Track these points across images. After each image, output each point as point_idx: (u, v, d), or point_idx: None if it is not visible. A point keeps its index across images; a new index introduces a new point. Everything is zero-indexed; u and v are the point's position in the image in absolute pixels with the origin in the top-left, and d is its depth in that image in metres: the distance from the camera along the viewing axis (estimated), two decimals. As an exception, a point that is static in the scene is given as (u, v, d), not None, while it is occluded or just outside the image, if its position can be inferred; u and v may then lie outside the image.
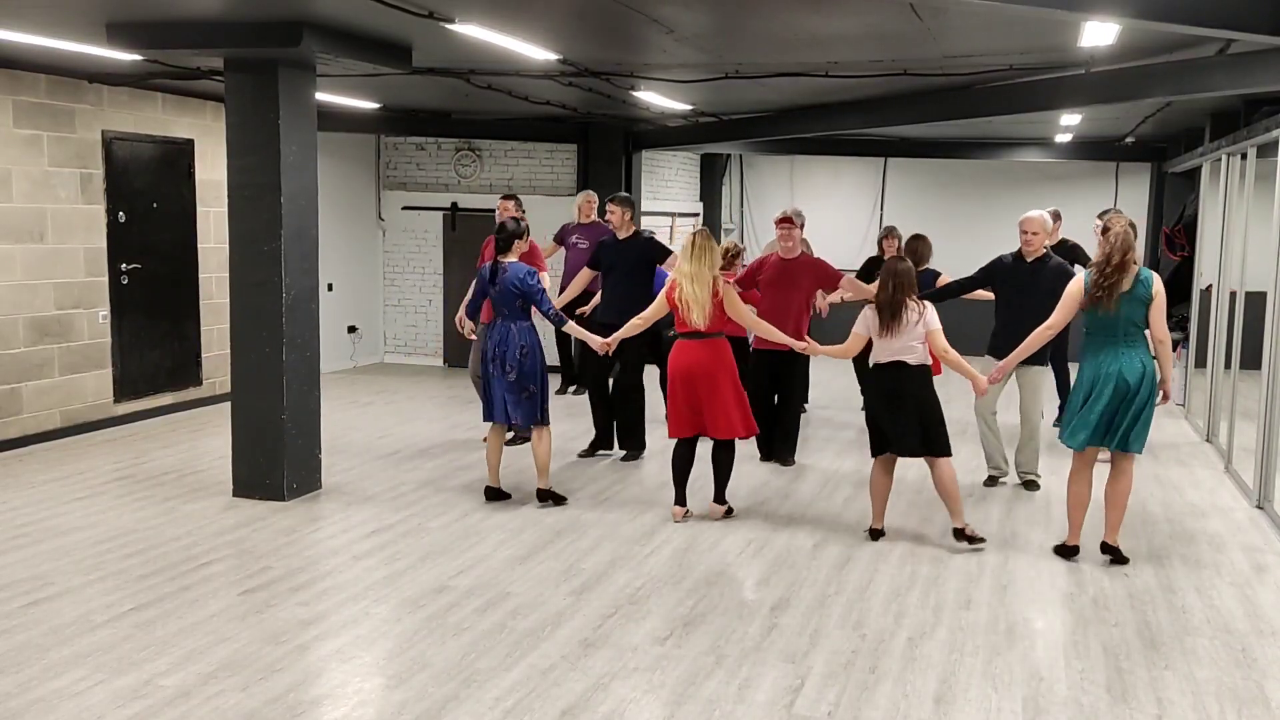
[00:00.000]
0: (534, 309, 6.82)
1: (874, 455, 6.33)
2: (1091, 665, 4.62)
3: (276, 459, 6.97)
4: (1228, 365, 8.69)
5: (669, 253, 8.28)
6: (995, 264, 7.47)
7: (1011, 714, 4.17)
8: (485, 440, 7.31)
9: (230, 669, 4.45)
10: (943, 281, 8.51)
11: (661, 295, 6.70)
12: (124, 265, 9.28)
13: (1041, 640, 4.89)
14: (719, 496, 6.83)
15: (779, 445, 8.21)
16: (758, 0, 5.72)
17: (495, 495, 7.03)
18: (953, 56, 7.29)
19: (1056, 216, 8.93)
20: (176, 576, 5.55)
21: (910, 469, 8.07)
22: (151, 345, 9.66)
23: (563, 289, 9.26)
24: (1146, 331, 5.75)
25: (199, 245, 10.09)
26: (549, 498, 6.96)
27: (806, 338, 7.03)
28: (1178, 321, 11.59)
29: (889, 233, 9.73)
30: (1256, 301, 7.58)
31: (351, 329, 12.85)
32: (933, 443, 6.13)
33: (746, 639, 4.86)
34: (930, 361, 6.25)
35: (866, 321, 6.25)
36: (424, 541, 6.20)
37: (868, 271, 9.81)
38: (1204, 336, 9.55)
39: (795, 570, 5.80)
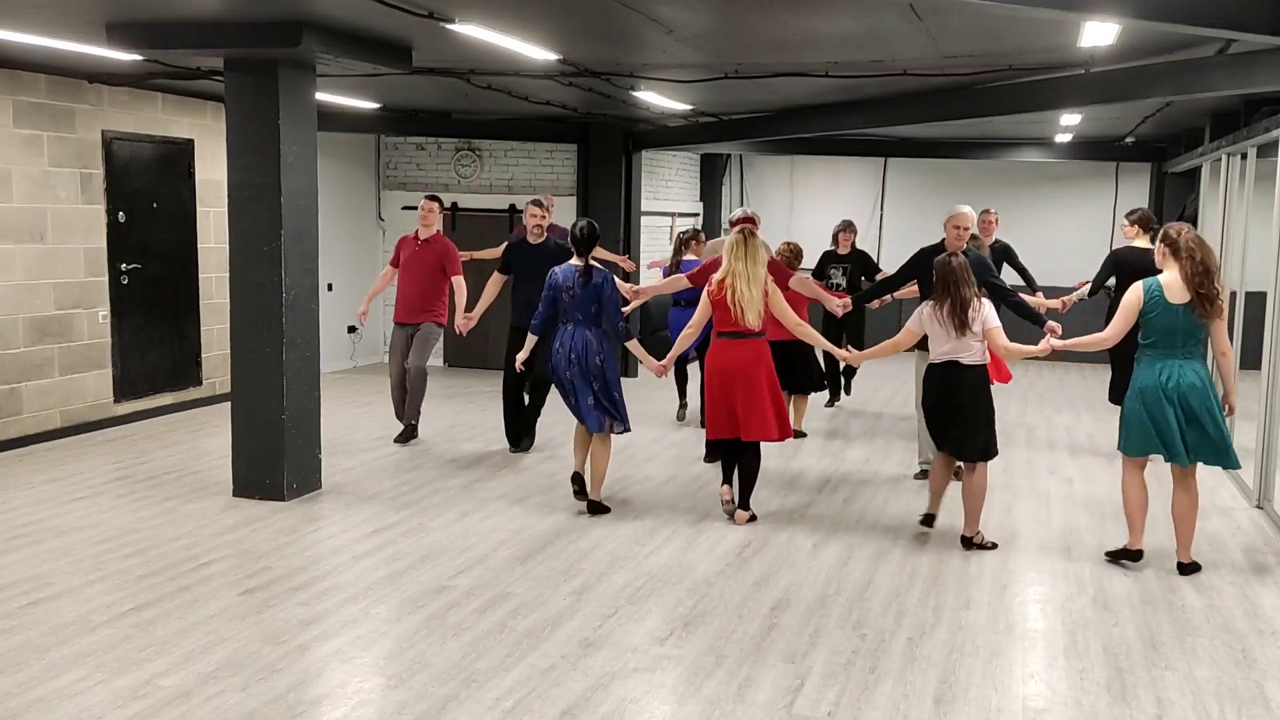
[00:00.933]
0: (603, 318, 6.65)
1: (934, 452, 6.44)
2: (1091, 665, 4.62)
3: (276, 459, 6.97)
4: (1228, 365, 8.67)
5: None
6: (919, 256, 7.26)
7: (1011, 714, 4.17)
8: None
9: (230, 669, 4.45)
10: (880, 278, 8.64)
11: (704, 298, 6.53)
12: (124, 265, 9.28)
13: (1041, 640, 4.90)
14: (745, 502, 6.66)
15: None
16: (758, 0, 5.72)
17: (581, 484, 6.82)
18: (953, 56, 7.29)
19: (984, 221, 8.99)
20: (176, 576, 5.55)
21: (912, 468, 8.07)
22: (151, 345, 9.66)
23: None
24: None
25: (199, 245, 10.09)
26: (599, 509, 6.78)
27: (849, 348, 6.94)
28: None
29: (846, 226, 10.15)
30: (1256, 301, 7.58)
31: (351, 329, 12.85)
32: (973, 448, 6.10)
33: (746, 639, 4.86)
34: (987, 360, 6.18)
35: (923, 319, 6.22)
36: (424, 541, 6.20)
37: (821, 268, 10.13)
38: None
39: (795, 570, 5.80)
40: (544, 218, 8.29)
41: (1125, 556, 5.97)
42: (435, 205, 8.74)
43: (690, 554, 6.04)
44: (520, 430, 8.50)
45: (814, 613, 5.18)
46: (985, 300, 6.20)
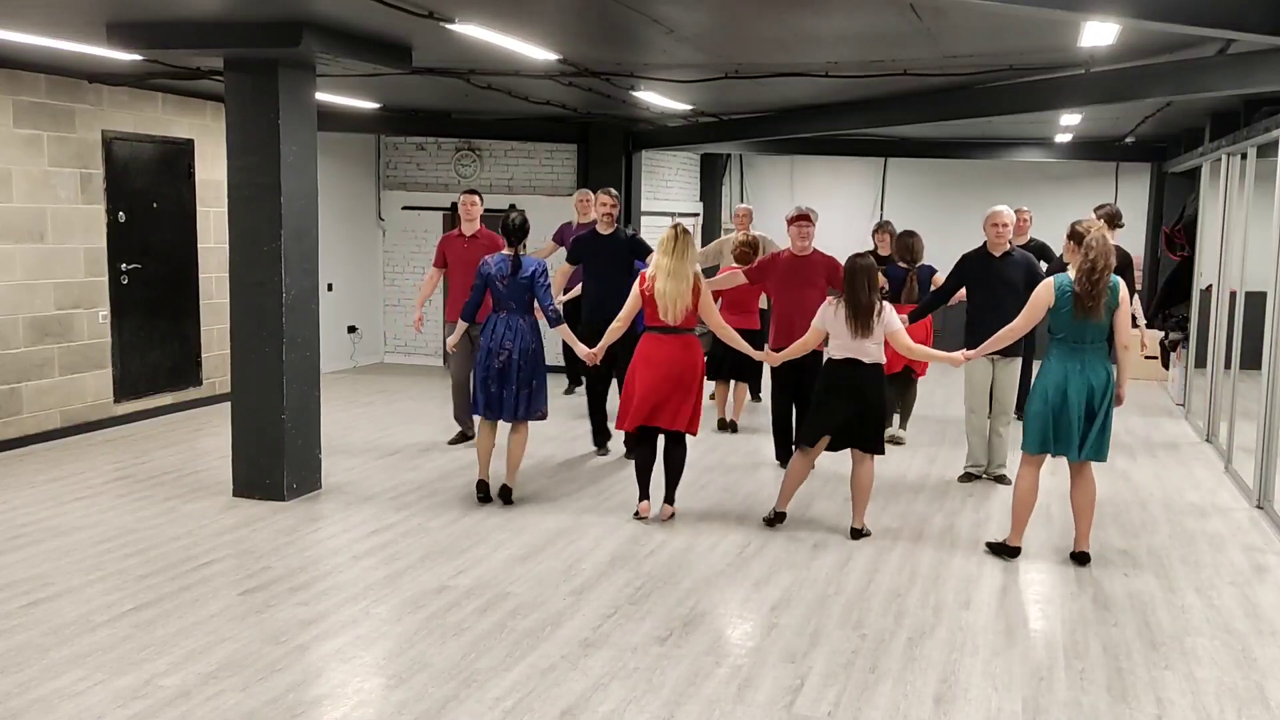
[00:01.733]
0: (536, 304, 6.83)
1: (807, 446, 6.37)
2: (1091, 665, 4.62)
3: (276, 459, 6.97)
4: (1228, 365, 8.68)
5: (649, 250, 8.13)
6: (963, 263, 7.51)
7: (1011, 714, 4.17)
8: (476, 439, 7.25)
9: (230, 669, 4.45)
10: (938, 280, 8.54)
11: (635, 290, 6.59)
12: (124, 265, 9.28)
13: (1041, 640, 4.90)
14: (671, 496, 6.69)
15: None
16: (758, 0, 5.72)
17: (487, 493, 6.98)
18: (953, 56, 7.30)
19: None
20: (176, 576, 5.55)
21: (913, 468, 8.08)
22: (151, 345, 9.66)
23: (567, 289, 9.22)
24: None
25: (199, 245, 10.09)
26: (509, 498, 6.94)
27: (766, 348, 6.97)
28: (1178, 322, 11.61)
29: (881, 227, 9.70)
30: (1256, 301, 7.58)
31: (351, 329, 12.86)
32: (871, 440, 6.23)
33: (746, 639, 4.86)
34: (885, 360, 6.32)
35: (826, 318, 6.28)
36: (424, 541, 6.20)
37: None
38: (1204, 336, 9.55)
39: (795, 570, 5.80)
40: (615, 206, 8.26)
41: (1005, 553, 6.01)
42: (476, 199, 8.62)
43: (690, 554, 6.04)
44: (605, 429, 8.43)
45: (814, 613, 5.18)
46: (887, 303, 6.27)
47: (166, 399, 9.87)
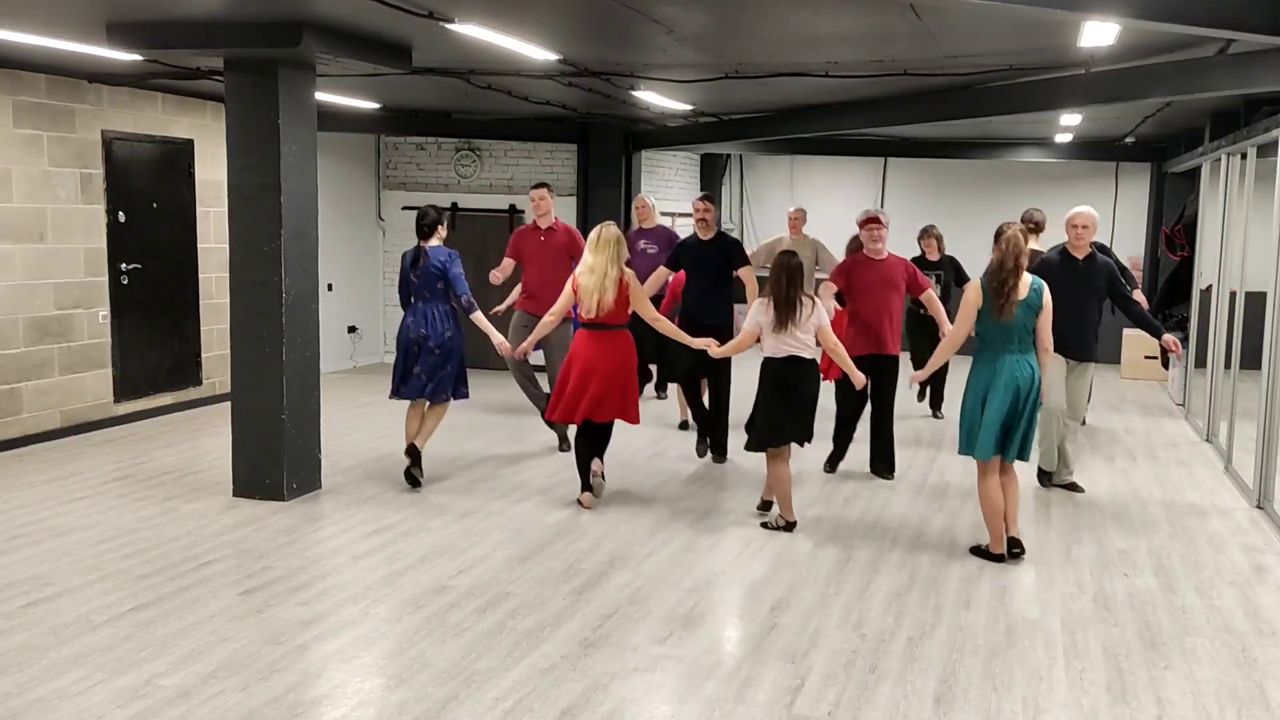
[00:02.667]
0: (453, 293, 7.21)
1: (769, 448, 6.43)
2: (1091, 665, 4.62)
3: (276, 459, 6.97)
4: (1228, 365, 8.69)
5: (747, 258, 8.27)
6: (1044, 264, 7.17)
7: (1011, 714, 4.17)
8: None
9: (230, 669, 4.45)
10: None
11: (567, 287, 6.85)
12: (124, 265, 9.28)
13: (1041, 640, 4.89)
14: (600, 454, 6.97)
15: (878, 458, 7.92)
16: (758, 0, 5.72)
17: (415, 457, 7.31)
18: (953, 56, 7.29)
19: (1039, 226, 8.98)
20: (176, 576, 5.55)
21: (912, 468, 8.08)
22: (151, 345, 9.66)
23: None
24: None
25: (199, 245, 10.09)
26: (416, 458, 7.27)
27: (712, 341, 6.94)
28: (1177, 321, 11.61)
29: (926, 231, 9.93)
30: (1256, 301, 7.58)
31: (351, 329, 12.85)
32: (804, 432, 6.45)
33: (746, 639, 4.86)
34: (820, 357, 6.48)
35: (757, 317, 6.38)
36: (424, 541, 6.20)
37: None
38: (1204, 336, 9.55)
39: (795, 570, 5.80)
40: (710, 212, 8.33)
41: (989, 558, 6.00)
42: (546, 191, 8.65)
43: (690, 554, 6.04)
44: (709, 431, 8.36)
45: (814, 613, 5.18)
46: (818, 300, 6.45)
47: (166, 399, 9.87)
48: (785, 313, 6.25)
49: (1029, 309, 5.75)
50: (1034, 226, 8.80)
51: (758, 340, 6.48)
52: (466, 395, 7.39)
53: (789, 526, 6.49)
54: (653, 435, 9.12)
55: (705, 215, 8.24)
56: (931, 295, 7.94)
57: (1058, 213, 15.13)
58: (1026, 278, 5.77)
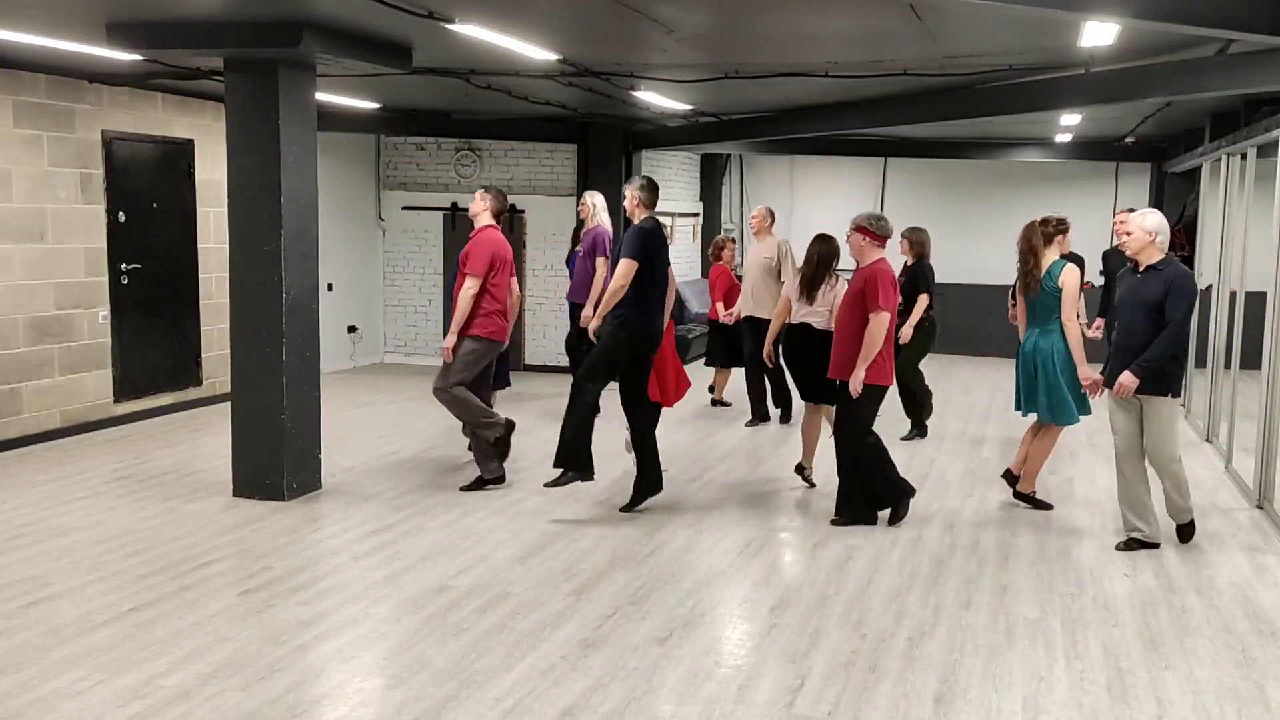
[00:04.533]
0: None
1: (810, 402, 7.43)
2: (1091, 665, 4.62)
3: (276, 459, 6.97)
4: (1228, 365, 8.69)
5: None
6: (1110, 258, 7.05)
7: (1011, 714, 4.17)
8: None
9: (230, 669, 4.45)
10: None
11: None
12: (124, 265, 9.28)
13: (1041, 640, 4.90)
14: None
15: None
16: (758, 0, 5.72)
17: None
18: (953, 56, 7.30)
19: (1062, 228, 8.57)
20: (176, 576, 5.55)
21: (914, 467, 8.07)
22: (151, 345, 9.66)
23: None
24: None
25: (199, 245, 10.09)
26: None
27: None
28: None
29: (902, 234, 9.69)
30: (1256, 301, 7.58)
31: (351, 329, 12.85)
32: (822, 394, 7.15)
33: (746, 639, 4.86)
34: (834, 329, 6.86)
35: (788, 289, 7.55)
36: (424, 541, 6.20)
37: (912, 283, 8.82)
38: (1204, 336, 9.55)
39: (795, 570, 5.80)
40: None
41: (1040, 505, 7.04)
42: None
43: (690, 554, 6.04)
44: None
45: (814, 613, 5.18)
46: (839, 278, 7.32)
47: (166, 399, 9.87)
48: (811, 289, 7.32)
49: (1045, 290, 6.72)
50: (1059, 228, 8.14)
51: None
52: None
53: (802, 472, 7.47)
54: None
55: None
56: (874, 320, 6.33)
57: (1057, 213, 15.09)
58: (1046, 262, 6.79)
